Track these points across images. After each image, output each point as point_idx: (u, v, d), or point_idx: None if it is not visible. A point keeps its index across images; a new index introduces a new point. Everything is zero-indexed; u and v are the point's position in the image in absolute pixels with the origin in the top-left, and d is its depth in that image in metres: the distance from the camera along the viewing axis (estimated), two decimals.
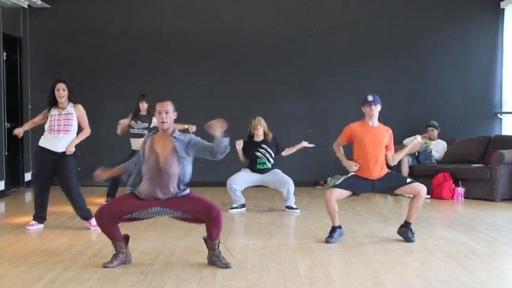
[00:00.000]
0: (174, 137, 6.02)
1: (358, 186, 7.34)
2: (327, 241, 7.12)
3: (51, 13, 12.45)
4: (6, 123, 11.24)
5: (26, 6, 12.19)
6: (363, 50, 12.48)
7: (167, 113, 6.01)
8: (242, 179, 9.52)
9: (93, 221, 7.79)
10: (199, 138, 6.12)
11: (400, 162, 11.39)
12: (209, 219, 5.95)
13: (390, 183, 7.45)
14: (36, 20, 12.42)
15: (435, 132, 11.89)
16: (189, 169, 6.03)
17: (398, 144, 11.82)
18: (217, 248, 6.06)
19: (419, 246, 7.00)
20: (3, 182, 10.87)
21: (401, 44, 12.54)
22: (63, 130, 7.85)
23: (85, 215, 7.93)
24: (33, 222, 7.92)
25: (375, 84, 12.33)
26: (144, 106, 9.83)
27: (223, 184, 9.70)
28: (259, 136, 9.55)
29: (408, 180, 7.52)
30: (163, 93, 11.44)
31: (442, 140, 11.94)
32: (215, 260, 6.04)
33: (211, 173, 11.20)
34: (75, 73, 11.81)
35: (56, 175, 7.91)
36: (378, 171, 7.40)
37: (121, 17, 12.53)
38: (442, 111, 12.37)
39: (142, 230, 7.75)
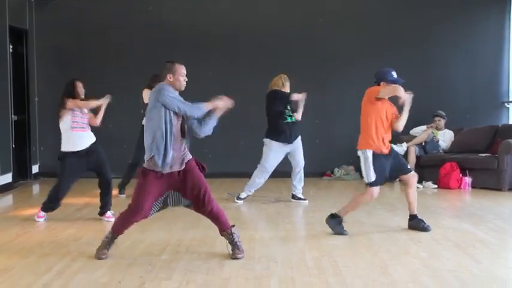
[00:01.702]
0: None
1: (385, 168, 7.10)
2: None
3: (57, 5, 12.46)
4: (13, 116, 11.26)
5: None
6: (370, 40, 12.45)
7: None
8: (276, 158, 9.41)
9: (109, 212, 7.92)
10: None
11: (407, 151, 11.39)
12: (206, 215, 6.00)
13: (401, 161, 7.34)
14: (43, 12, 12.43)
15: (442, 122, 11.87)
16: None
17: (406, 135, 11.86)
18: (232, 238, 6.04)
19: (427, 236, 6.99)
20: (10, 175, 10.91)
21: (409, 35, 12.51)
22: (87, 127, 7.89)
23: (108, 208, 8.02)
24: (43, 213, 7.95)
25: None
26: None
27: (230, 175, 9.72)
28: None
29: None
30: None
31: (449, 129, 11.92)
32: (232, 249, 6.05)
33: (219, 164, 11.21)
34: (82, 65, 11.84)
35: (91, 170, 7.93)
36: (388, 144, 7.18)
37: (127, 9, 12.53)
38: (449, 101, 12.35)
39: (149, 221, 7.72)
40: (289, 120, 9.26)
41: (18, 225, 7.69)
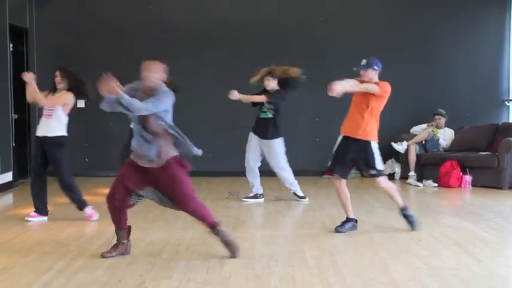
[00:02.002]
0: None
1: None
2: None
3: (57, 4, 12.45)
4: (13, 115, 11.26)
5: None
6: (370, 39, 12.42)
7: None
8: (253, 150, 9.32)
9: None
10: None
11: (407, 150, 11.39)
12: (188, 213, 6.01)
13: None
14: (43, 11, 12.42)
15: (442, 121, 11.86)
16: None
17: (406, 133, 11.86)
18: (220, 236, 5.98)
19: (427, 234, 7.00)
20: (10, 173, 10.91)
21: (409, 34, 12.50)
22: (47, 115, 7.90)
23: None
24: (34, 213, 7.95)
25: (383, 73, 12.27)
26: None
27: (231, 174, 9.70)
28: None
29: None
30: (177, 83, 11.58)
31: (450, 128, 11.92)
32: (226, 247, 6.04)
33: (219, 162, 11.21)
34: (82, 64, 11.78)
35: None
36: None
37: (127, 7, 12.52)
38: (449, 99, 12.35)
39: (149, 220, 7.77)
40: (262, 115, 9.20)
41: (18, 225, 7.68)
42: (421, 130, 11.76)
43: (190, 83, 10.83)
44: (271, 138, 9.11)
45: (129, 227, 6.16)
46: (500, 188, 10.54)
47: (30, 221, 7.81)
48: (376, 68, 7.11)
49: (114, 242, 6.09)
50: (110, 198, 5.93)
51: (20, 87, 11.71)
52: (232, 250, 5.98)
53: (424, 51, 12.51)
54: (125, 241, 6.07)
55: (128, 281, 5.25)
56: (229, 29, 12.45)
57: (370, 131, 6.96)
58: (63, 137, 7.82)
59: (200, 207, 5.96)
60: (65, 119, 7.87)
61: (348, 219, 7.18)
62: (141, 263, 5.80)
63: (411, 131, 11.91)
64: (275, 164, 9.17)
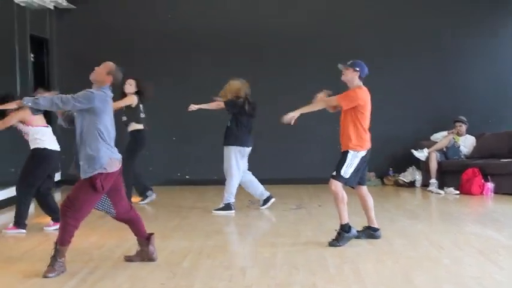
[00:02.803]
0: None
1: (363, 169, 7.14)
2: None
3: (77, 14, 12.54)
4: None
5: (52, 8, 12.28)
6: (389, 44, 12.38)
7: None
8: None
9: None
10: None
11: (428, 158, 11.32)
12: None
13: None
14: (63, 21, 12.52)
15: (463, 128, 11.77)
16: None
17: (427, 141, 11.79)
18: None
19: (450, 242, 6.94)
20: None
21: (429, 38, 12.43)
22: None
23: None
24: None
25: (402, 78, 12.27)
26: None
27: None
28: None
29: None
30: (191, 91, 11.60)
31: (471, 135, 11.83)
32: None
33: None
34: None
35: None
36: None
37: (146, 16, 12.57)
38: (470, 106, 12.25)
39: (170, 229, 7.79)
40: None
41: (41, 232, 7.74)
42: (441, 137, 11.69)
43: (212, 89, 10.69)
44: (224, 145, 9.20)
45: (150, 234, 6.20)
46: None
47: (48, 230, 7.89)
48: (357, 69, 7.10)
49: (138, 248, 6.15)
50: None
51: None
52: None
53: (444, 59, 12.45)
54: (146, 248, 6.12)
55: None
56: (251, 35, 12.36)
57: (353, 140, 6.92)
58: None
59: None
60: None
61: (367, 227, 7.17)
62: (163, 271, 5.81)
63: (432, 138, 11.84)
64: (224, 168, 9.23)
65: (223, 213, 9.01)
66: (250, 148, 9.23)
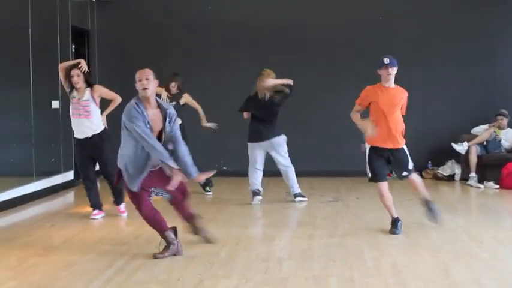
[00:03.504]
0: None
1: (381, 166, 7.13)
2: (392, 232, 7.03)
3: (118, 5, 12.62)
4: None
5: None
6: (429, 37, 12.23)
7: (147, 79, 5.96)
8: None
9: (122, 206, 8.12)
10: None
11: (468, 151, 11.19)
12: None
13: (402, 161, 7.14)
14: (104, 12, 12.61)
15: (505, 121, 11.59)
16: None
17: (467, 134, 11.65)
18: None
19: (489, 237, 6.86)
20: (72, 172, 11.09)
21: (470, 31, 12.25)
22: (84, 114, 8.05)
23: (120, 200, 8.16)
24: (96, 211, 8.09)
25: (443, 72, 12.11)
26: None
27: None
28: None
29: (410, 167, 7.17)
30: (229, 85, 11.62)
31: None
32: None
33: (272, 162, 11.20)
34: (142, 65, 11.84)
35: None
36: (394, 139, 7.01)
37: (187, 8, 12.58)
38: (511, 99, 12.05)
39: (207, 220, 7.80)
40: None
41: (79, 222, 7.83)
42: (482, 131, 11.53)
43: (249, 84, 10.74)
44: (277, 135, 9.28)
45: (175, 228, 6.23)
46: None
47: (94, 219, 7.99)
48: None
49: (164, 244, 6.16)
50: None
51: None
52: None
53: (485, 51, 12.25)
54: (175, 241, 6.12)
55: (186, 279, 5.30)
56: (288, 30, 12.30)
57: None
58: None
59: None
60: None
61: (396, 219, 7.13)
62: (200, 261, 5.84)
63: (472, 131, 11.69)
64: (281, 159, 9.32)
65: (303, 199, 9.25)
66: None
